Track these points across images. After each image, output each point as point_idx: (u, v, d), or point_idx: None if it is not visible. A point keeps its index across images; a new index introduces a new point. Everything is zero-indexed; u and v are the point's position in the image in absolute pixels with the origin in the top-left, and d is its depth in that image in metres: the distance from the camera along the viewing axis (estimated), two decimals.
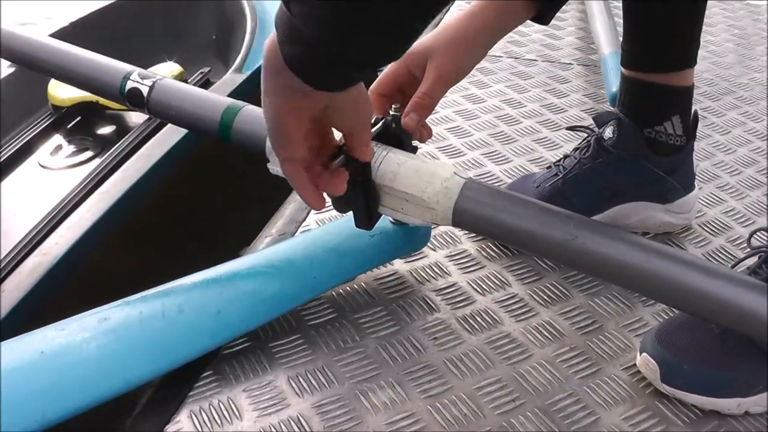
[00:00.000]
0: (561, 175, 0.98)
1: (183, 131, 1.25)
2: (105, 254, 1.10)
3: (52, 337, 0.74)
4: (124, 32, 1.60)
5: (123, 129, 1.41)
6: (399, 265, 0.94)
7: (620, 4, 0.96)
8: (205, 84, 1.50)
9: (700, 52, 0.95)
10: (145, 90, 0.87)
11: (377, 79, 0.82)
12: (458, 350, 0.83)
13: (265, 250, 0.89)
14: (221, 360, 0.80)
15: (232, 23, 1.65)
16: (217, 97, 0.86)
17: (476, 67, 0.84)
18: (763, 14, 1.87)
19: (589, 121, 1.16)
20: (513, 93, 1.41)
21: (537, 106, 1.37)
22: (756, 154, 1.24)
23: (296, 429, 0.73)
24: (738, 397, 0.76)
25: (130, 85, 0.88)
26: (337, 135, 0.70)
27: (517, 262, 0.96)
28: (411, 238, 0.91)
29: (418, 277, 0.93)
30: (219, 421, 0.74)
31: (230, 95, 1.07)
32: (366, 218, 0.76)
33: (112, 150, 1.26)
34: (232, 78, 1.43)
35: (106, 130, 1.43)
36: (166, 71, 1.43)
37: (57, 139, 1.39)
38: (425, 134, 0.80)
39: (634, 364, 0.81)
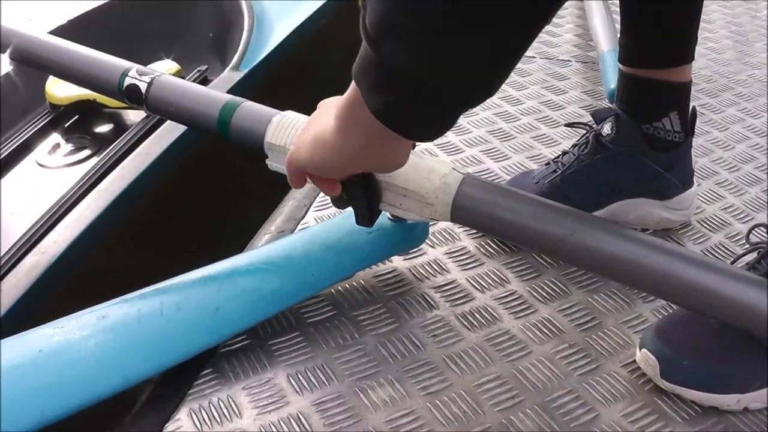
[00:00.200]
0: (560, 172, 0.98)
1: (181, 129, 1.25)
2: (103, 252, 1.10)
3: (50, 335, 0.73)
4: (122, 30, 1.59)
5: (121, 127, 1.41)
6: (398, 262, 0.94)
7: (618, 1, 0.96)
8: (203, 82, 1.50)
9: (699, 49, 0.95)
10: (143, 86, 0.87)
11: None
12: (457, 347, 0.83)
13: (264, 247, 0.89)
14: (220, 358, 0.80)
15: (230, 21, 1.65)
16: (215, 94, 0.86)
17: None
18: (761, 11, 1.87)
19: (587, 118, 1.16)
20: (511, 90, 1.41)
21: (535, 103, 1.37)
22: (754, 151, 1.24)
23: (296, 427, 0.73)
24: (737, 393, 0.76)
25: (128, 81, 0.88)
26: None
27: (516, 259, 0.96)
28: (409, 235, 0.91)
29: (417, 275, 0.93)
30: (218, 419, 0.74)
31: (228, 93, 1.07)
32: (367, 215, 0.76)
33: (110, 148, 1.26)
34: (229, 76, 1.43)
35: (104, 128, 1.42)
36: (164, 69, 1.43)
37: (55, 137, 1.39)
38: None
39: (634, 361, 0.81)
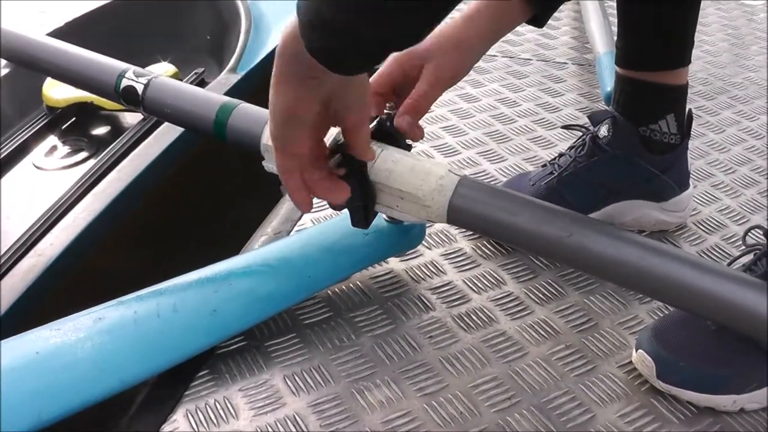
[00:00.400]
0: (556, 174, 0.99)
1: (177, 131, 1.25)
2: (100, 255, 1.10)
3: (47, 337, 0.73)
4: (119, 32, 1.59)
5: (118, 129, 1.41)
6: (394, 263, 0.94)
7: (615, 4, 0.96)
8: (200, 84, 1.50)
9: (695, 52, 0.95)
10: (140, 88, 0.87)
11: (372, 77, 0.82)
12: (454, 348, 0.83)
13: (261, 249, 0.89)
14: (217, 359, 0.80)
15: (227, 23, 1.65)
16: (212, 95, 0.86)
17: None
18: (757, 14, 1.87)
19: (583, 120, 1.16)
20: (508, 92, 1.41)
21: (532, 105, 1.37)
22: (750, 153, 1.24)
23: (292, 428, 0.73)
24: (733, 394, 0.76)
25: (125, 83, 0.88)
26: (331, 135, 0.70)
27: (513, 260, 0.96)
28: (406, 236, 0.91)
29: (413, 276, 0.93)
30: (215, 421, 0.74)
31: (225, 95, 1.07)
32: (363, 217, 0.76)
33: (107, 150, 1.25)
34: (226, 78, 1.43)
35: (100, 130, 1.42)
36: (161, 71, 1.43)
37: (52, 140, 1.39)
38: (417, 134, 0.80)
39: (630, 362, 0.81)
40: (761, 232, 0.80)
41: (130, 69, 0.89)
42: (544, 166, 1.03)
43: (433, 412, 0.75)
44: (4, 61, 1.42)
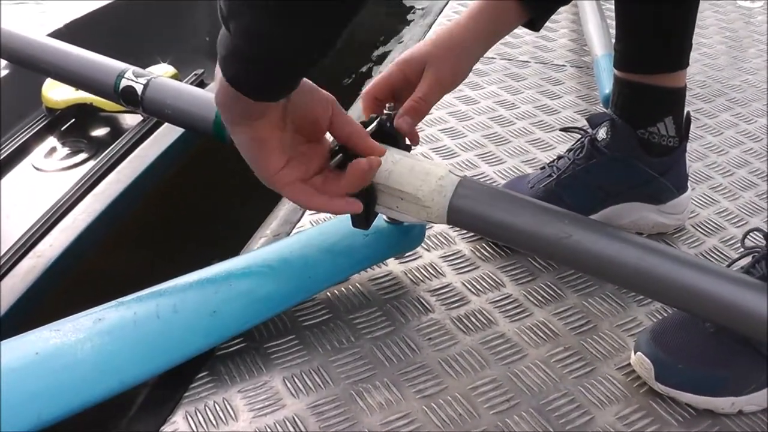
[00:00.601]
0: (555, 176, 0.99)
1: (176, 133, 1.25)
2: (100, 256, 1.10)
3: (46, 338, 0.74)
4: (118, 34, 1.59)
5: (117, 131, 1.41)
6: (393, 265, 0.95)
7: (613, 6, 0.96)
8: (200, 86, 1.50)
9: (693, 54, 0.95)
10: (139, 88, 0.87)
11: (372, 81, 0.83)
12: (453, 350, 0.83)
13: (260, 250, 0.89)
14: (216, 361, 0.80)
15: None
16: (211, 96, 0.86)
17: None
18: (755, 16, 1.88)
19: (582, 123, 1.16)
20: (506, 94, 1.41)
21: (530, 108, 1.37)
22: (748, 155, 1.24)
23: (291, 430, 0.73)
24: (732, 396, 0.76)
25: (124, 83, 0.88)
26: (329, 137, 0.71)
27: (512, 262, 0.97)
28: (405, 237, 0.91)
29: (412, 278, 0.93)
30: (214, 422, 0.74)
31: None
32: (364, 218, 0.76)
33: (106, 152, 1.26)
34: None
35: (100, 132, 1.43)
36: (160, 73, 1.43)
37: (51, 141, 1.39)
38: (414, 140, 0.81)
39: (628, 364, 0.81)
40: (760, 235, 0.80)
41: (130, 69, 0.90)
42: (543, 168, 1.03)
43: (432, 414, 0.75)
44: (3, 62, 1.42)
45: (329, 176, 0.70)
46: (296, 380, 0.78)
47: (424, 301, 0.90)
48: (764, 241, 0.79)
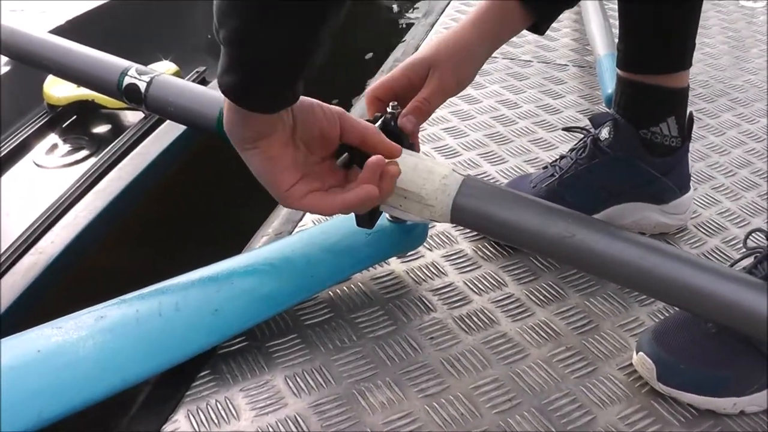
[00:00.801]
0: (557, 176, 0.99)
1: (178, 130, 1.25)
2: (101, 253, 1.10)
3: (48, 336, 0.73)
4: (120, 31, 1.59)
5: (118, 128, 1.41)
6: (395, 265, 0.95)
7: (615, 6, 0.96)
8: (202, 83, 1.50)
9: (695, 54, 0.95)
10: (142, 86, 0.87)
11: (375, 83, 0.83)
12: (455, 350, 0.83)
13: (263, 249, 0.89)
14: (218, 359, 0.80)
15: None
16: (215, 93, 0.86)
17: None
18: (757, 16, 1.88)
19: (584, 122, 1.16)
20: (509, 94, 1.41)
21: (533, 107, 1.37)
22: (751, 156, 1.24)
23: (293, 429, 0.73)
24: (733, 397, 0.76)
25: (127, 81, 0.88)
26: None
27: (514, 262, 0.97)
28: (408, 237, 0.91)
29: (414, 277, 0.93)
30: (216, 421, 0.74)
31: None
32: (367, 217, 0.76)
33: (108, 149, 1.26)
34: None
35: (101, 128, 1.43)
36: (162, 70, 1.43)
37: (53, 138, 1.39)
38: (416, 144, 0.81)
39: (630, 364, 0.81)
40: (762, 235, 0.80)
41: (133, 67, 0.89)
42: (545, 167, 1.03)
43: (434, 414, 0.75)
44: (4, 59, 1.42)
45: (345, 185, 0.70)
46: (298, 379, 0.78)
47: (426, 301, 0.90)
48: (766, 242, 0.79)
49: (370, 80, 1.62)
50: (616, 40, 0.98)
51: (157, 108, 0.88)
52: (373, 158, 0.68)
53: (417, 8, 2.71)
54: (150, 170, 1.20)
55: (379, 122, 0.75)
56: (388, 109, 0.76)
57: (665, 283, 0.67)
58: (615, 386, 0.79)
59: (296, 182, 0.67)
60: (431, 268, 0.95)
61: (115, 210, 1.12)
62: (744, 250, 0.82)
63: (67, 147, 1.36)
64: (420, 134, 0.85)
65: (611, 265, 0.67)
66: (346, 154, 0.71)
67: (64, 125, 1.42)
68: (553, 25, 0.89)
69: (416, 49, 1.60)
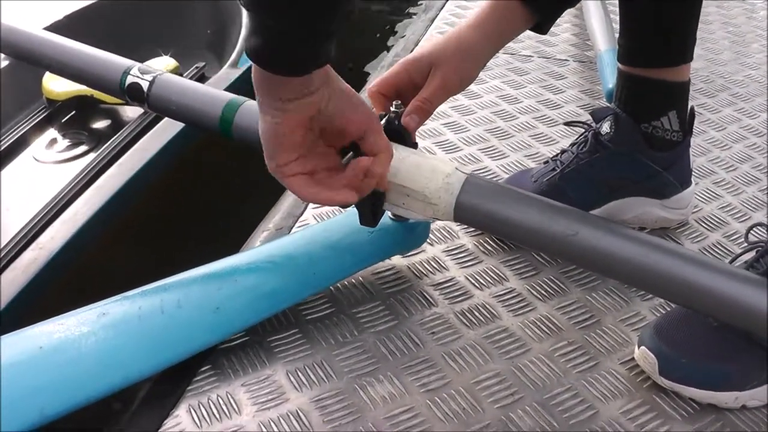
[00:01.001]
0: (558, 170, 0.99)
1: (178, 126, 1.25)
2: (101, 249, 1.10)
3: (50, 332, 0.73)
4: (119, 26, 1.59)
5: (118, 123, 1.41)
6: (397, 260, 0.94)
7: (616, 2, 0.96)
8: (201, 79, 1.50)
9: (696, 49, 0.95)
10: (145, 85, 0.87)
11: (378, 78, 0.83)
12: (456, 344, 0.83)
13: (265, 246, 0.89)
14: (219, 355, 0.80)
15: (228, 18, 1.64)
16: (217, 93, 0.86)
17: None
18: (757, 12, 1.87)
19: (585, 117, 1.16)
20: (509, 89, 1.41)
21: (533, 102, 1.37)
22: (752, 150, 1.24)
23: (295, 423, 0.73)
24: (735, 391, 0.76)
25: (130, 80, 0.88)
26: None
27: (515, 256, 0.97)
28: (410, 235, 0.91)
29: (416, 272, 0.93)
30: (218, 416, 0.74)
31: (226, 90, 1.07)
32: (371, 215, 0.76)
33: (107, 144, 1.26)
34: (227, 73, 1.43)
35: (101, 124, 1.42)
36: (161, 65, 1.43)
37: (51, 133, 1.39)
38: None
39: (632, 358, 0.81)
40: (763, 230, 0.80)
41: (135, 66, 0.89)
42: (546, 162, 1.03)
43: (435, 408, 0.75)
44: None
45: (334, 172, 0.70)
46: (299, 374, 0.78)
47: (427, 295, 0.90)
48: (767, 236, 0.79)
49: (370, 76, 1.61)
50: (617, 36, 0.98)
51: (159, 107, 0.88)
52: (361, 159, 0.68)
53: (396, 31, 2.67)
54: (150, 166, 1.19)
55: (383, 121, 0.75)
56: (392, 108, 0.76)
57: (667, 280, 0.67)
58: (617, 381, 0.79)
59: (292, 161, 0.67)
60: (432, 263, 0.95)
61: (115, 206, 1.11)
62: (745, 244, 0.83)
63: (66, 142, 1.36)
64: (420, 129, 0.85)
65: (615, 263, 0.67)
66: (351, 153, 0.70)
67: (63, 120, 1.42)
68: None
69: (416, 44, 1.60)
